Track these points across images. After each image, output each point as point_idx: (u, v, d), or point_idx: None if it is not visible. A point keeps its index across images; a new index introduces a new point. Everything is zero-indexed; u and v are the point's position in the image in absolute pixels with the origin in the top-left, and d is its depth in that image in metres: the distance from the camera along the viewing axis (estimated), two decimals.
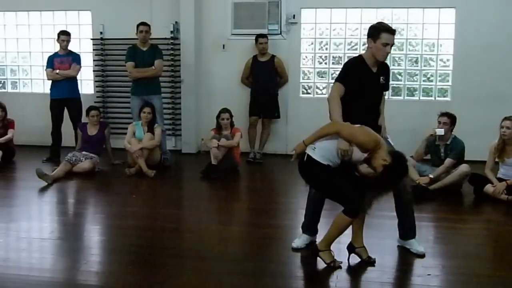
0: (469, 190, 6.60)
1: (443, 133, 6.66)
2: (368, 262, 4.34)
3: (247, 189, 7.53)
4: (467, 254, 4.65)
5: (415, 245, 4.57)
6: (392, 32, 4.47)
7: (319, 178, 4.21)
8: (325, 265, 4.27)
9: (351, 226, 4.28)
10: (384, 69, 4.62)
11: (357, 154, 4.06)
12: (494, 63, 8.40)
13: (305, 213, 4.81)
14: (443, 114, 6.81)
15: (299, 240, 4.74)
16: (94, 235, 5.33)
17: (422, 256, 4.48)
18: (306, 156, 4.16)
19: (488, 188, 6.38)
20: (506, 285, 4.08)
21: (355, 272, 4.29)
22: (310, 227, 4.75)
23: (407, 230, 4.62)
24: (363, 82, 4.46)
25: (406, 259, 4.52)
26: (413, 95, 8.85)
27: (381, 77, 4.55)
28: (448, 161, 6.69)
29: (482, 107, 8.38)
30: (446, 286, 4.14)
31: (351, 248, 4.41)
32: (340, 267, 4.27)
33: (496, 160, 6.57)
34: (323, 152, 4.13)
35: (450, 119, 6.74)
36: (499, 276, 4.24)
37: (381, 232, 4.99)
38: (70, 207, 6.49)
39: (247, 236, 5.25)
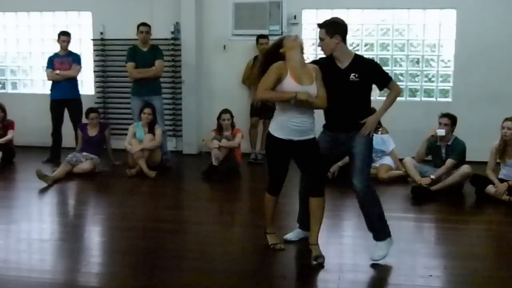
0: (470, 191, 6.58)
1: (444, 134, 6.65)
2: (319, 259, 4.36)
3: (248, 190, 7.52)
4: (469, 254, 4.64)
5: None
6: (317, 26, 4.49)
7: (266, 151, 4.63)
8: (324, 267, 4.28)
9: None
10: (359, 65, 4.41)
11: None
12: (495, 64, 8.39)
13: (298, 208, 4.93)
14: (444, 115, 6.80)
15: (292, 233, 4.91)
16: (94, 236, 5.32)
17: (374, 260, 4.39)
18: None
19: (490, 189, 6.36)
20: (508, 286, 4.07)
21: (357, 273, 4.28)
22: (302, 222, 4.86)
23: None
24: (325, 80, 4.40)
25: (408, 259, 4.50)
26: (414, 96, 8.84)
27: (352, 74, 4.36)
28: (449, 161, 6.67)
29: (483, 108, 8.36)
30: (448, 287, 4.12)
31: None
32: (282, 249, 4.59)
33: (498, 161, 6.56)
34: (276, 125, 4.43)
35: (451, 120, 6.73)
36: (501, 277, 4.23)
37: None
38: (71, 208, 6.48)
39: (248, 237, 5.24)
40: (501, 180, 6.41)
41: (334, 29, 4.37)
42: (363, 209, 4.48)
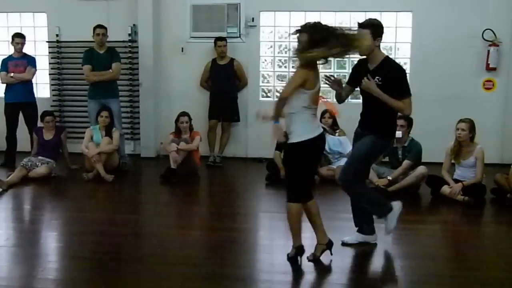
0: (426, 191, 6.71)
1: (400, 136, 6.74)
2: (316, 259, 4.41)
3: (207, 193, 7.50)
4: (425, 254, 4.72)
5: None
6: (358, 25, 4.56)
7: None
8: (285, 269, 4.29)
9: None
10: (385, 69, 4.52)
11: None
12: (450, 66, 8.59)
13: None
14: (400, 117, 6.88)
15: (351, 236, 4.81)
16: (51, 242, 5.22)
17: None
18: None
19: (445, 189, 6.50)
20: (464, 285, 4.16)
21: (311, 275, 4.32)
22: (359, 225, 4.84)
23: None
24: (356, 79, 4.64)
25: (364, 261, 4.56)
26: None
27: (376, 77, 4.49)
28: (406, 163, 6.79)
29: (438, 110, 8.54)
30: (405, 287, 4.19)
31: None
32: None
33: (452, 161, 6.70)
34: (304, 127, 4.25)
35: (407, 122, 6.83)
36: (456, 276, 4.33)
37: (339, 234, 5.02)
38: (26, 213, 6.33)
39: (207, 240, 5.23)
40: (456, 181, 6.55)
41: (378, 31, 4.52)
42: (352, 201, 4.79)
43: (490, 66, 8.54)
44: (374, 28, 4.50)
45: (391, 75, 4.50)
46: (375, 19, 4.68)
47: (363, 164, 4.68)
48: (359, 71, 4.67)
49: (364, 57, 4.64)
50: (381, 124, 4.57)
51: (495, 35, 8.46)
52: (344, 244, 4.74)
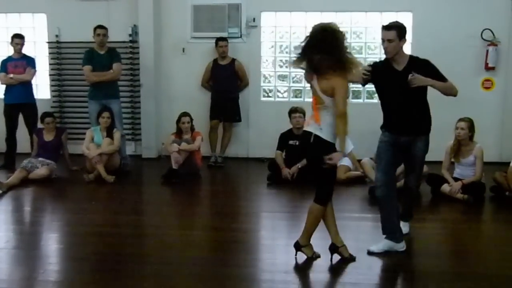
0: (426, 189, 6.70)
1: None
2: (350, 259, 4.43)
3: (208, 193, 7.49)
4: (425, 252, 4.75)
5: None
6: (383, 28, 4.60)
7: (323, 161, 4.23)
8: (287, 268, 4.29)
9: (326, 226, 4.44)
10: (415, 66, 4.55)
11: None
12: (449, 66, 8.35)
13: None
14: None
15: (377, 245, 4.67)
16: (52, 244, 5.22)
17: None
18: (313, 137, 4.20)
19: (445, 187, 6.52)
20: (466, 281, 4.16)
21: (317, 273, 4.31)
22: (388, 232, 4.74)
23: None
24: (382, 83, 4.61)
25: (366, 259, 4.55)
26: (372, 98, 8.95)
27: (410, 75, 4.49)
28: None
29: (438, 109, 8.33)
30: (406, 284, 4.20)
31: (333, 248, 4.45)
32: (319, 256, 4.44)
33: (452, 160, 6.71)
34: (330, 129, 4.19)
35: None
36: (456, 273, 4.34)
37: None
38: (26, 215, 6.33)
39: (209, 240, 5.23)
40: (456, 179, 6.57)
41: (403, 32, 4.56)
42: (407, 201, 5.04)
43: (489, 65, 8.56)
44: (399, 30, 4.55)
45: (424, 70, 4.55)
46: (399, 22, 4.70)
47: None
48: (383, 73, 4.62)
49: (382, 60, 4.73)
50: (429, 122, 4.72)
51: (493, 35, 8.48)
52: (370, 253, 4.63)
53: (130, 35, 8.99)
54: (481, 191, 6.52)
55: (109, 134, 7.67)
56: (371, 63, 4.93)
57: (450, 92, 4.70)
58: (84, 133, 7.90)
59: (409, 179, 4.80)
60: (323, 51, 4.08)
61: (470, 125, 6.52)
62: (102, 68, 7.93)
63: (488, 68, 8.60)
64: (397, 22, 4.70)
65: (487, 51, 8.52)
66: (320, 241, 4.55)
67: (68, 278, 4.29)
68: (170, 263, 4.48)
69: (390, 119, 4.73)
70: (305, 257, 4.43)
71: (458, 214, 6.10)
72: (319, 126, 4.20)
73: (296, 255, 4.47)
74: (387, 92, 4.63)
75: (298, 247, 4.46)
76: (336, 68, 4.12)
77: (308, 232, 4.41)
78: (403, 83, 4.49)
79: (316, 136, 4.19)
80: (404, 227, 4.93)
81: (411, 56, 4.68)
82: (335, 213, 4.45)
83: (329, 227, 4.43)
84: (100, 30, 7.91)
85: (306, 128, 4.32)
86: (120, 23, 8.88)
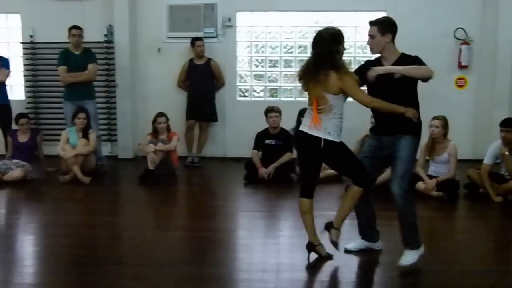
0: None
1: None
2: (327, 258, 4.45)
3: (185, 193, 7.49)
4: (400, 250, 4.78)
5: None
6: (369, 23, 4.54)
7: (342, 156, 4.32)
8: (264, 267, 4.31)
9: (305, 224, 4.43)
10: (404, 63, 4.46)
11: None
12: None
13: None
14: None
15: (354, 243, 4.71)
16: (27, 246, 5.17)
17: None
18: (323, 142, 4.22)
19: (420, 185, 6.60)
20: (439, 278, 4.24)
21: (295, 272, 4.34)
22: (362, 232, 4.75)
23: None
24: (376, 79, 4.44)
25: (343, 257, 4.59)
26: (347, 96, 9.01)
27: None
28: None
29: None
30: (384, 282, 4.25)
31: (311, 247, 4.46)
32: (331, 258, 4.45)
33: (426, 158, 6.80)
34: (337, 131, 4.28)
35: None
36: (431, 270, 4.39)
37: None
38: (1, 217, 6.24)
39: (186, 240, 5.23)
40: (430, 177, 6.66)
41: (386, 27, 4.46)
42: (400, 216, 4.38)
43: (462, 64, 8.70)
44: (380, 25, 4.48)
45: (411, 65, 4.45)
46: (386, 17, 4.67)
47: (410, 171, 4.52)
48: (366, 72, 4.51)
49: (373, 57, 4.65)
50: (416, 123, 4.51)
51: (466, 33, 8.63)
52: (347, 251, 4.65)
53: (105, 35, 8.95)
54: (456, 188, 6.62)
55: (85, 135, 7.62)
56: (363, 63, 4.85)
57: (425, 73, 4.53)
58: (60, 134, 7.83)
59: (393, 184, 4.30)
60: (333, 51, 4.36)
61: (444, 123, 6.63)
62: (77, 69, 7.87)
63: (461, 67, 8.74)
64: (383, 17, 4.64)
65: (460, 49, 8.66)
66: (297, 240, 4.58)
67: (45, 281, 4.27)
68: (147, 264, 4.46)
69: (376, 119, 4.62)
70: (277, 254, 4.44)
71: (432, 211, 6.17)
72: (327, 130, 4.24)
73: (308, 256, 4.46)
74: (376, 90, 4.46)
75: (311, 247, 4.45)
76: (336, 68, 4.30)
77: (343, 215, 4.38)
78: (390, 80, 4.38)
79: (326, 140, 4.23)
80: (407, 256, 4.36)
81: (403, 54, 4.58)
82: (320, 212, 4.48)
83: (307, 225, 4.45)
84: (75, 30, 7.85)
85: (310, 132, 4.27)
86: (95, 23, 8.83)
